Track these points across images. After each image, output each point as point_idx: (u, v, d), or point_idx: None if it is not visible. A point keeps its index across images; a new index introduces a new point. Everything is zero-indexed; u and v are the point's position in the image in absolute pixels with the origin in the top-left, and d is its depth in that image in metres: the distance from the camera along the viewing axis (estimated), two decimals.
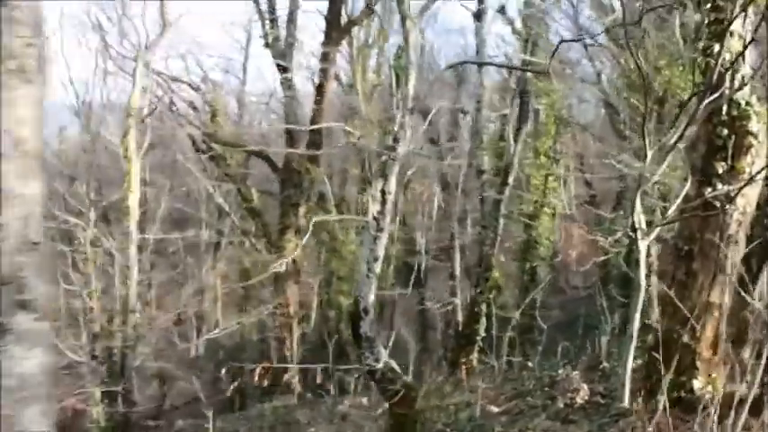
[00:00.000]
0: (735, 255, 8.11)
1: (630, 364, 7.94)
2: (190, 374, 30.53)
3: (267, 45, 21.36)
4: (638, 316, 7.76)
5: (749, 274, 8.61)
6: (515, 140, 16.82)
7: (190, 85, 23.49)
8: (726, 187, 7.92)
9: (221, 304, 35.82)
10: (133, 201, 17.04)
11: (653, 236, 7.60)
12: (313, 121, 21.31)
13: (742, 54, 7.11)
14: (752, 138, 7.95)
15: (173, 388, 27.95)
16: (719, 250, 7.95)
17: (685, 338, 8.01)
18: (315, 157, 20.64)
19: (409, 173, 22.28)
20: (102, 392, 16.21)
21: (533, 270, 24.00)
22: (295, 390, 17.89)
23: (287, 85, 20.94)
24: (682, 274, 8.18)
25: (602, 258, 16.09)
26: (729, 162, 8.01)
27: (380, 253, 8.08)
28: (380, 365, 8.03)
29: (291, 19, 21.19)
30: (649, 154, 7.14)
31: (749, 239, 8.51)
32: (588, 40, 20.80)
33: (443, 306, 19.88)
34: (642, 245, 7.44)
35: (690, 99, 7.00)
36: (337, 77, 27.29)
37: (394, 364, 8.46)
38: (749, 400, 7.35)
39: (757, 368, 7.55)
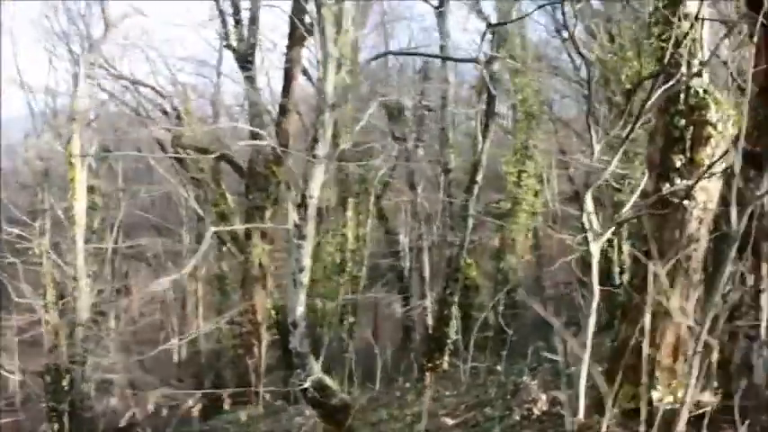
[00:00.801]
0: (696, 255, 7.57)
1: (585, 374, 7.37)
2: (167, 382, 29.95)
3: (228, 46, 20.75)
4: (591, 322, 7.19)
5: (714, 273, 8.07)
6: (483, 137, 16.25)
7: (153, 88, 22.80)
8: (684, 182, 7.38)
9: (203, 309, 35.38)
10: (79, 209, 16.32)
11: (605, 237, 7.02)
12: (279, 122, 20.74)
13: (686, 36, 6.53)
14: (711, 128, 7.40)
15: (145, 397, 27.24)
16: (679, 250, 7.41)
17: (644, 346, 7.45)
18: (280, 158, 19.99)
19: (380, 173, 21.69)
20: (50, 412, 15.48)
21: (510, 268, 23.48)
22: (261, 398, 17.26)
23: (250, 85, 20.33)
24: (640, 277, 7.63)
25: (570, 258, 15.49)
26: (688, 154, 7.47)
27: (306, 263, 7.49)
28: (308, 384, 7.43)
29: (253, 19, 20.60)
30: (597, 148, 6.58)
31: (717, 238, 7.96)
32: (564, 34, 20.31)
33: (412, 309, 19.28)
34: (594, 247, 6.87)
35: (636, 87, 6.42)
36: (307, 74, 26.74)
37: (328, 380, 7.90)
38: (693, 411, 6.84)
39: (717, 378, 7.05)
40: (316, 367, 7.67)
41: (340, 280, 24.08)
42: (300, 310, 7.47)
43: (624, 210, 7.25)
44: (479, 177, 16.15)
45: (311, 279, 25.23)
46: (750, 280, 6.47)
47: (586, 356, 7.43)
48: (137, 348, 24.85)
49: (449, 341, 16.63)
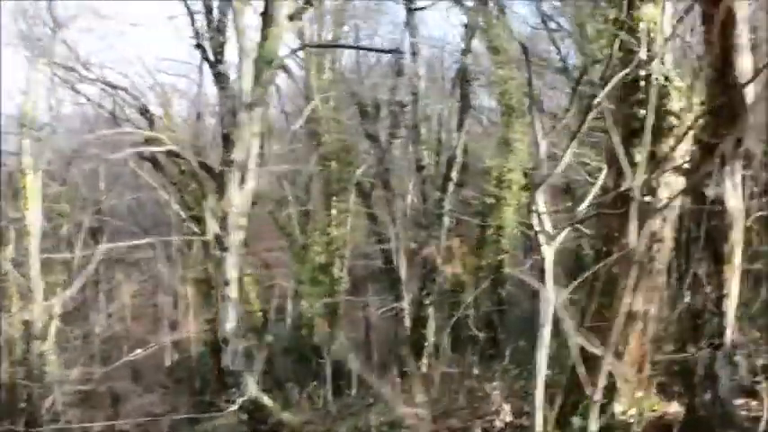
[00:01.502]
0: (660, 256, 7.05)
1: (541, 387, 6.84)
2: (150, 390, 29.35)
3: (198, 46, 20.10)
4: (546, 332, 6.65)
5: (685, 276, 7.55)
6: (458, 131, 15.69)
7: (125, 90, 22.15)
8: (646, 177, 6.84)
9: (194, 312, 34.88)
10: (32, 219, 15.67)
11: (559, 239, 6.47)
12: None
13: (625, 18, 5.97)
14: (672, 118, 6.88)
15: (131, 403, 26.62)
16: (641, 250, 6.88)
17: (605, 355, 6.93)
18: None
19: (359, 172, 21.13)
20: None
21: (500, 264, 22.89)
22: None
23: (219, 84, 19.75)
24: (601, 280, 7.12)
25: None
26: (649, 147, 6.93)
27: (231, 275, 6.93)
28: (238, 404, 6.88)
29: (222, 15, 19.98)
30: (542, 144, 6.03)
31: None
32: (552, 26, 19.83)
33: (389, 311, 18.74)
34: (547, 251, 6.33)
35: (581, 76, 5.86)
36: (287, 71, 26.36)
37: (265, 399, 7.34)
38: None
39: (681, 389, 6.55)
40: (251, 386, 7.14)
41: (326, 281, 23.70)
42: (231, 325, 6.93)
43: (581, 207, 6.69)
44: (454, 174, 15.59)
45: (298, 281, 25.16)
46: (711, 284, 5.93)
47: (542, 368, 6.92)
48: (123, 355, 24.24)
49: (426, 343, 16.10)
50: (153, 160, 23.05)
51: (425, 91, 21.89)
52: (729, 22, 5.07)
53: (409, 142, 21.29)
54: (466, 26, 16.16)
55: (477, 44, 20.53)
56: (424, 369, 15.98)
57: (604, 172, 6.98)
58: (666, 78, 6.85)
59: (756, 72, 5.09)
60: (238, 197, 7.09)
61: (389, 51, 14.02)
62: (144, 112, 22.83)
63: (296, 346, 24.87)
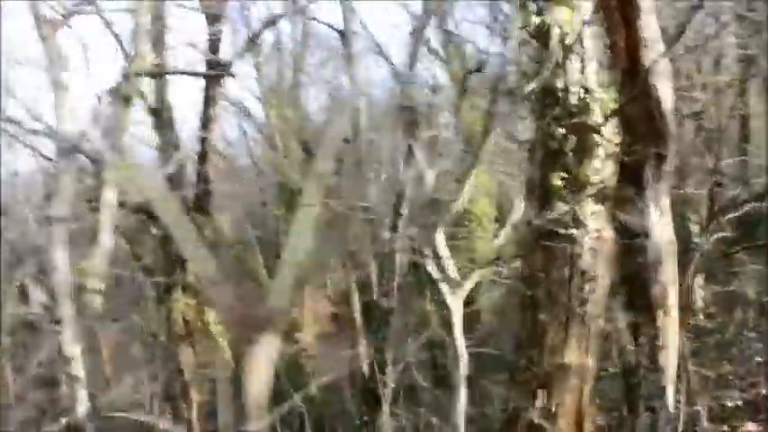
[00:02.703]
0: (594, 297, 5.99)
1: None
2: None
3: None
4: (463, 393, 5.60)
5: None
6: (406, 165, 14.65)
7: (73, 143, 21.13)
8: (570, 206, 5.83)
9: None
10: None
11: (468, 287, 5.43)
12: (201, 164, 19.11)
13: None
14: (596, 135, 5.86)
15: None
16: (571, 292, 5.86)
17: (535, 418, 5.87)
18: (203, 203, 18.27)
19: None
20: None
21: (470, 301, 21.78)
22: None
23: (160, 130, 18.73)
24: (528, 329, 6.08)
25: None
26: (572, 170, 5.92)
27: (71, 352, 5.80)
28: None
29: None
30: (429, 174, 5.02)
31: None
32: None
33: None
34: (453, 302, 5.29)
35: (463, 86, 4.77)
36: (246, 111, 25.72)
37: None
38: None
39: None
40: None
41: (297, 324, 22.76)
42: (82, 410, 5.77)
43: (495, 244, 5.66)
44: (404, 210, 14.48)
45: None
46: (644, 334, 4.88)
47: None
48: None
49: (387, 390, 14.92)
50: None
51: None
52: (632, 15, 4.11)
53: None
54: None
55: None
56: (384, 417, 14.80)
57: (522, 203, 5.94)
58: (587, 90, 5.86)
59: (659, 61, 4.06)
60: (63, 259, 6.01)
61: (216, 75, 13.21)
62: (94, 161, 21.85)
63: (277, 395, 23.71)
